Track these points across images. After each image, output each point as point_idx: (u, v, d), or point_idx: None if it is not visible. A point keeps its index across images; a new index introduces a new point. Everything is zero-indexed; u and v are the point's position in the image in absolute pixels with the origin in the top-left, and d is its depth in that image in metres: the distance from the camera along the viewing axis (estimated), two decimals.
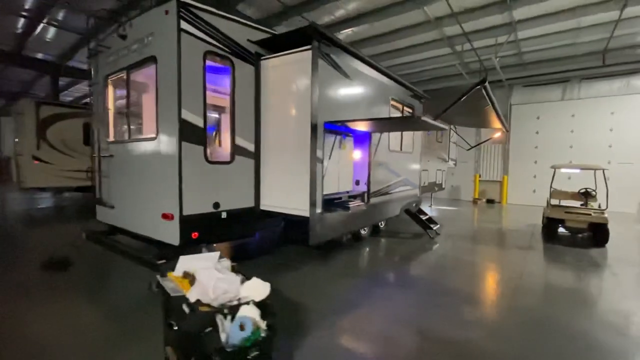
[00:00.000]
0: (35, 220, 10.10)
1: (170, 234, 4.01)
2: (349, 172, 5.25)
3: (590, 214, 7.75)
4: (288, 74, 4.47)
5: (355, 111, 5.15)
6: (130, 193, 4.72)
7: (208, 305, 2.04)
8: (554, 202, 9.33)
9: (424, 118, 4.59)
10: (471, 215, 12.19)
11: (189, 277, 2.43)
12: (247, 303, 2.07)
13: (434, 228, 8.13)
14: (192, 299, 2.09)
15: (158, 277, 2.61)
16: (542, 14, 10.23)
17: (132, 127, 4.82)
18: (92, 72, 5.47)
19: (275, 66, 4.61)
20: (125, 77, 4.74)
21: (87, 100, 21.08)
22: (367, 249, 6.88)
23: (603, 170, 8.17)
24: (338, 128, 4.78)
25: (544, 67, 13.27)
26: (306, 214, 4.30)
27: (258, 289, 2.20)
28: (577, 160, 13.37)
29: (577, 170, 9.79)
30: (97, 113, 5.45)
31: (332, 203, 5.00)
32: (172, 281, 2.47)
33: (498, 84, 14.07)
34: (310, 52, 4.18)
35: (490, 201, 15.20)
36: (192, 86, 3.97)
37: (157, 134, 4.16)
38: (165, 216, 4.04)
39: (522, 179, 14.72)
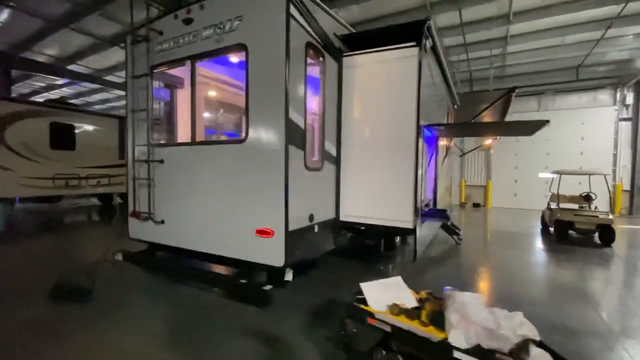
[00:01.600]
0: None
1: (270, 253, 3.39)
2: (428, 179, 4.98)
3: (597, 216, 8.33)
4: (385, 72, 4.09)
5: (430, 115, 4.91)
6: (197, 205, 3.97)
7: (499, 352, 1.61)
8: (554, 205, 9.93)
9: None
10: (471, 219, 12.60)
11: (407, 312, 1.95)
12: (537, 343, 1.68)
13: (460, 233, 8.16)
14: (467, 344, 1.64)
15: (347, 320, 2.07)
16: (534, 30, 10.99)
17: (198, 127, 4.09)
18: (128, 63, 4.58)
19: (365, 63, 4.21)
20: (189, 67, 4.01)
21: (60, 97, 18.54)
22: (438, 257, 6.65)
23: (605, 175, 8.87)
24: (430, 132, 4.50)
25: (523, 80, 14.30)
26: (409, 224, 3.93)
27: (524, 323, 1.81)
28: (553, 166, 14.54)
29: (551, 176, 10.51)
30: (133, 111, 4.56)
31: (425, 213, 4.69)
32: (383, 318, 1.97)
33: None
34: (417, 49, 3.86)
35: (476, 205, 15.93)
36: (296, 81, 3.44)
37: (247, 135, 3.53)
38: (261, 232, 3.42)
39: (504, 184, 15.66)
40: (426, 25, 3.75)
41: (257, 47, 3.45)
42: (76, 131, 11.98)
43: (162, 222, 4.26)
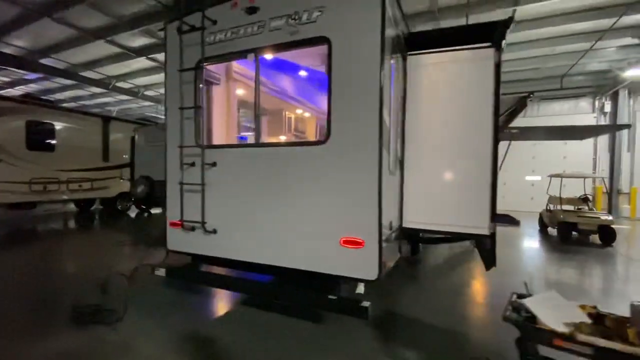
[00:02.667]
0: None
1: (360, 265, 3.10)
2: None
3: (599, 217, 8.76)
4: (455, 73, 3.94)
5: None
6: (261, 213, 3.58)
7: None
8: (552, 207, 10.35)
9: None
10: None
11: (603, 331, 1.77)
12: None
13: None
14: None
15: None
16: (527, 40, 11.47)
17: (263, 127, 3.70)
18: (170, 54, 4.10)
19: (433, 63, 4.04)
20: (253, 60, 3.62)
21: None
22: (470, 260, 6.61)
23: (603, 178, 9.37)
24: None
25: (512, 87, 14.92)
26: (485, 231, 3.80)
27: None
28: (539, 169, 15.31)
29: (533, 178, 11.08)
30: (174, 108, 4.08)
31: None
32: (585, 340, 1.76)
33: None
34: (492, 50, 3.75)
35: None
36: (386, 79, 3.19)
37: (329, 136, 3.23)
38: (349, 242, 3.12)
39: None
40: (509, 26, 3.66)
41: (343, 41, 3.16)
42: (56, 131, 10.90)
43: (214, 232, 3.82)
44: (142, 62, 13.69)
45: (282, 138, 7.16)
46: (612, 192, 13.94)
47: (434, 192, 4.05)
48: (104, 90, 16.54)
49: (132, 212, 13.22)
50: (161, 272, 3.88)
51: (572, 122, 14.99)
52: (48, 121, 10.54)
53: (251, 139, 6.31)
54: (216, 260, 3.90)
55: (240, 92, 5.19)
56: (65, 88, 17.16)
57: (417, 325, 3.72)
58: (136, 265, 4.78)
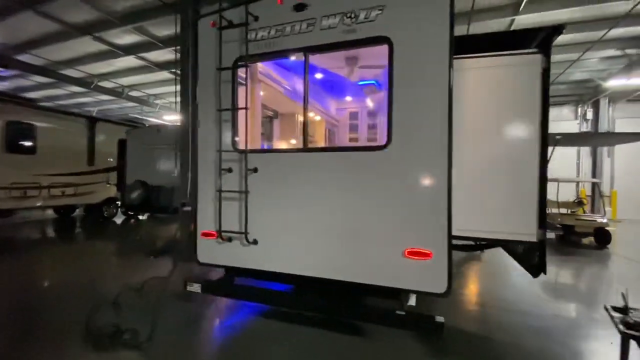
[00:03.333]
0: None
1: (427, 278, 2.95)
2: None
3: (596, 220, 9.11)
4: (500, 78, 3.90)
5: None
6: (311, 223, 3.36)
7: None
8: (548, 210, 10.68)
9: None
10: None
11: None
12: None
13: None
14: None
15: None
16: None
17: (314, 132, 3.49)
18: (202, 52, 3.81)
19: (476, 68, 3.98)
20: (302, 59, 3.40)
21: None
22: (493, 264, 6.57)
23: (597, 182, 9.77)
24: None
25: None
26: (532, 237, 3.75)
27: None
28: None
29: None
30: (206, 110, 3.79)
31: None
32: None
33: None
34: (540, 56, 3.73)
35: None
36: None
37: (390, 140, 3.07)
38: (415, 254, 2.96)
39: None
40: (561, 31, 3.65)
41: (407, 40, 3.02)
42: (38, 132, 10.13)
43: (255, 242, 3.55)
44: (129, 61, 13.03)
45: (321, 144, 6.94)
46: (594, 194, 14.64)
47: (478, 198, 3.98)
48: (84, 90, 15.61)
49: (118, 219, 12.46)
50: (195, 287, 3.57)
51: (557, 128, 15.67)
52: (29, 122, 9.75)
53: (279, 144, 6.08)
54: (255, 273, 3.62)
55: (274, 93, 4.94)
56: (41, 87, 16.06)
57: (476, 340, 3.61)
58: (147, 279, 4.44)
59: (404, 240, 3.00)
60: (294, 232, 3.43)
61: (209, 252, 3.81)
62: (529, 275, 3.83)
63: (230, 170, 3.67)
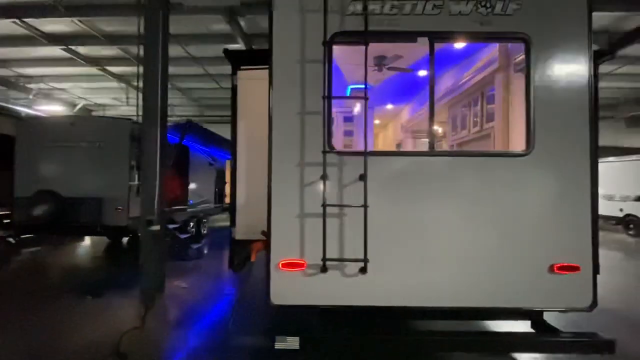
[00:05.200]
0: None
1: (572, 293, 2.76)
2: None
3: None
4: None
5: None
6: (438, 242, 2.79)
7: None
8: None
9: None
10: None
11: None
12: None
13: None
14: None
15: None
16: None
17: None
18: (279, 36, 2.84)
19: None
20: (426, 48, 2.83)
21: None
22: None
23: None
24: None
25: None
26: None
27: None
28: None
29: None
30: (291, 99, 2.83)
31: None
32: None
33: None
34: None
35: None
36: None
37: (532, 146, 2.80)
38: (564, 269, 2.74)
39: None
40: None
41: (546, 40, 2.82)
42: None
43: (364, 270, 2.76)
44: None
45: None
46: None
47: None
48: None
49: None
50: (292, 342, 2.54)
51: None
52: None
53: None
54: (364, 311, 2.82)
55: None
56: None
57: None
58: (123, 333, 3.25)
59: (551, 255, 2.76)
60: (415, 255, 2.81)
61: (291, 288, 2.80)
62: None
63: (325, 177, 2.79)
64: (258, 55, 4.04)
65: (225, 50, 4.24)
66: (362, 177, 2.76)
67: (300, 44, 2.83)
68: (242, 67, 4.12)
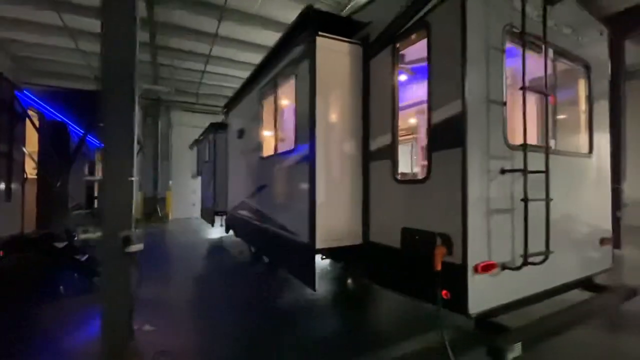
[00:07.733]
0: None
1: (606, 258, 3.74)
2: None
3: None
4: None
5: None
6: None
7: None
8: None
9: None
10: None
11: None
12: None
13: None
14: None
15: None
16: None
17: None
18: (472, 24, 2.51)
19: None
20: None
21: None
22: None
23: None
24: None
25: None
26: None
27: None
28: None
29: None
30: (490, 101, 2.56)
31: None
32: None
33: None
34: None
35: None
36: None
37: (592, 149, 3.63)
38: (606, 241, 3.69)
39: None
40: None
41: (597, 65, 3.68)
42: None
43: (544, 260, 2.79)
44: None
45: None
46: None
47: None
48: None
49: None
50: (517, 348, 2.32)
51: None
52: None
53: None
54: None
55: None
56: None
57: None
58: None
59: (600, 232, 3.65)
60: (557, 239, 2.94)
61: (487, 294, 2.54)
62: None
63: (503, 172, 2.69)
64: (347, 24, 3.37)
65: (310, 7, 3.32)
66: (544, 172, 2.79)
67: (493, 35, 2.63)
68: (320, 33, 3.34)
